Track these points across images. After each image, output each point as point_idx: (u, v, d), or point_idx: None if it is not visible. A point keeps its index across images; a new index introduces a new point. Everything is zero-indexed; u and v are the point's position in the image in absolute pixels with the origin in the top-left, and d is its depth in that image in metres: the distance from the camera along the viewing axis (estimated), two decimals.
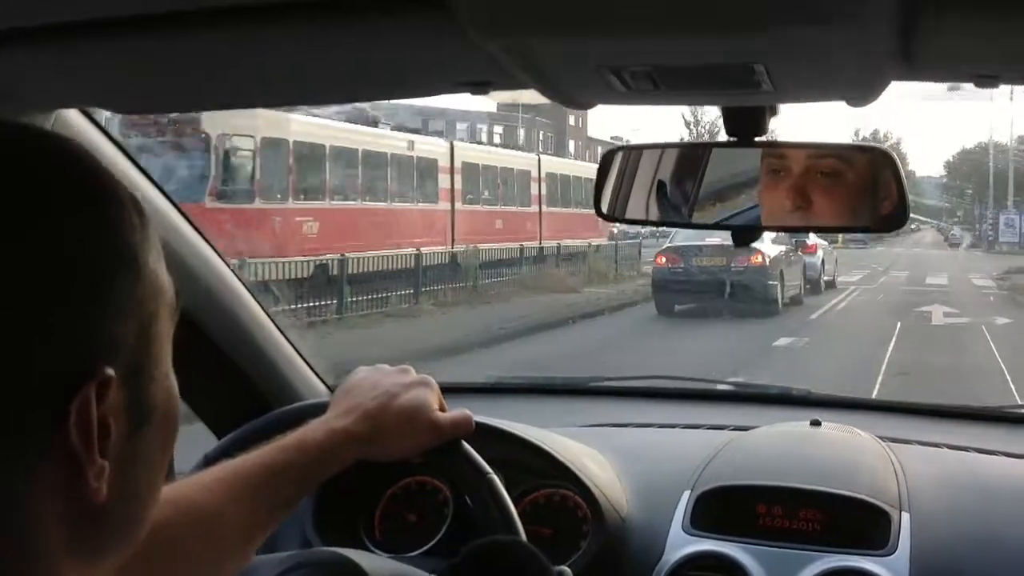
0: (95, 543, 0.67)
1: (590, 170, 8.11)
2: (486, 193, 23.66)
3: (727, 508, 1.65)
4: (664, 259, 17.54)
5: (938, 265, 32.56)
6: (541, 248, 23.79)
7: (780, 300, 16.66)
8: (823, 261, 21.73)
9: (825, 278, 21.88)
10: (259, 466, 1.18)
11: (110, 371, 0.63)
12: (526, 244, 22.95)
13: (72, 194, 0.64)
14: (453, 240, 20.77)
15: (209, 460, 1.32)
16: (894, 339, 13.79)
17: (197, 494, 1.15)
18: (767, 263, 16.28)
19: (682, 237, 16.80)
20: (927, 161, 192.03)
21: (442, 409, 1.32)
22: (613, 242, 25.48)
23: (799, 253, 18.95)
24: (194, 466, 1.37)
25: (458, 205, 21.74)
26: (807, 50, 0.90)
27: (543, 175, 25.23)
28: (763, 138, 1.27)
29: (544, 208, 24.96)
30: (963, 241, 56.99)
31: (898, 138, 77.72)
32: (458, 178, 21.87)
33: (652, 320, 16.80)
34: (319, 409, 1.31)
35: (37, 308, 0.61)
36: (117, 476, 0.65)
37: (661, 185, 1.41)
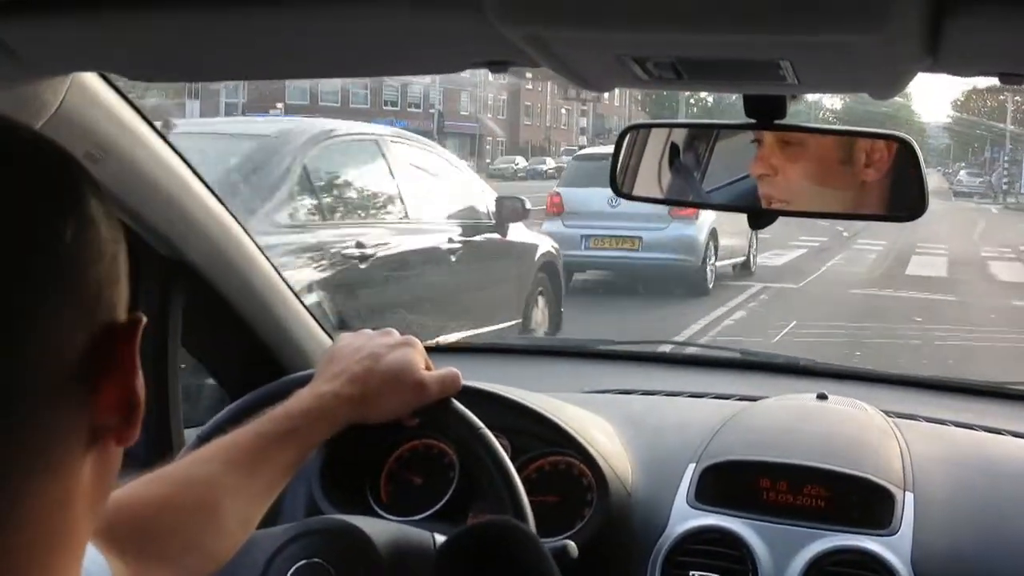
0: (103, 495, 0.69)
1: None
2: None
3: (732, 482, 1.66)
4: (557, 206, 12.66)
5: (935, 228, 20.88)
6: None
7: None
8: (714, 232, 12.14)
9: (727, 261, 13.08)
10: (252, 436, 1.20)
11: (142, 315, 0.68)
12: None
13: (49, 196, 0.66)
14: None
15: (202, 439, 1.33)
16: None
17: (194, 469, 1.16)
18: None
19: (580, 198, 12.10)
20: (934, 103, 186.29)
21: (428, 368, 1.34)
22: None
23: (670, 216, 11.57)
24: (188, 445, 1.39)
25: None
26: (833, 48, 0.89)
27: None
28: (781, 121, 1.26)
29: None
30: (971, 189, 47.28)
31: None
32: None
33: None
34: (306, 380, 1.32)
35: (91, 272, 0.65)
36: None
37: (672, 163, 1.41)
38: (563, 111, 67.58)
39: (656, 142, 1.44)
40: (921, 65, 0.97)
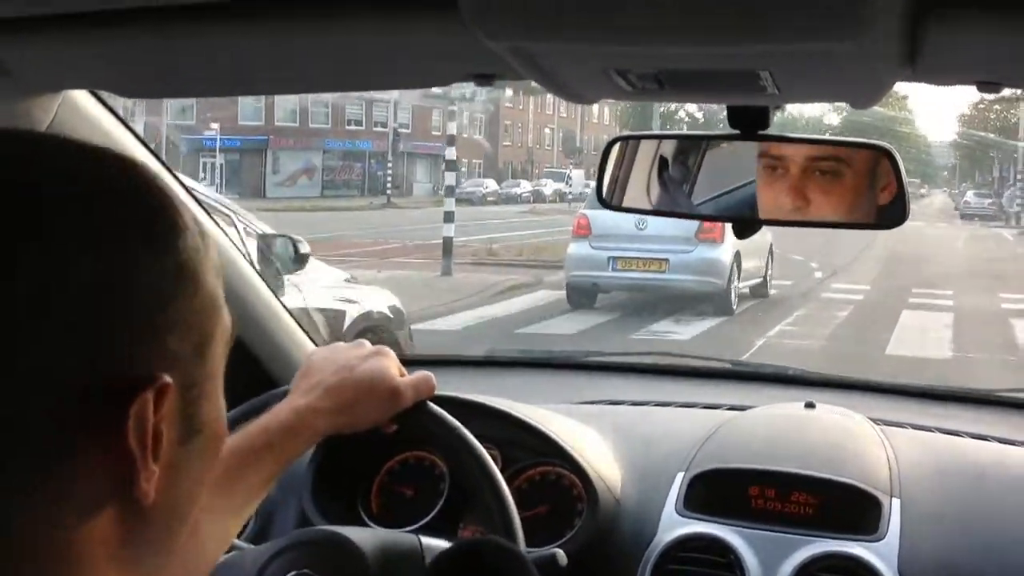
0: (135, 550, 0.68)
1: None
2: None
3: (720, 490, 1.67)
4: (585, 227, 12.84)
5: (940, 257, 19.38)
6: None
7: None
8: (738, 254, 12.29)
9: (745, 284, 13.05)
10: (227, 454, 1.20)
11: (168, 379, 0.65)
12: None
13: (138, 220, 0.67)
14: None
15: None
16: None
17: None
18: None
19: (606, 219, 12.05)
20: (939, 120, 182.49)
21: (402, 375, 1.35)
22: None
23: (697, 239, 11.92)
24: None
25: None
26: (813, 58, 0.91)
27: None
28: (765, 132, 1.28)
29: None
30: (980, 211, 42.42)
31: (904, 94, 68.77)
32: None
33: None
34: (282, 395, 1.34)
35: (103, 321, 0.64)
36: (163, 484, 0.67)
37: (661, 174, 1.43)
38: (546, 130, 65.23)
39: (645, 154, 1.46)
40: (900, 74, 0.98)
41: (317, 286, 5.34)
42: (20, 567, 0.63)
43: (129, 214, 0.67)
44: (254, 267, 1.93)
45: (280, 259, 5.01)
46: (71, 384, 0.63)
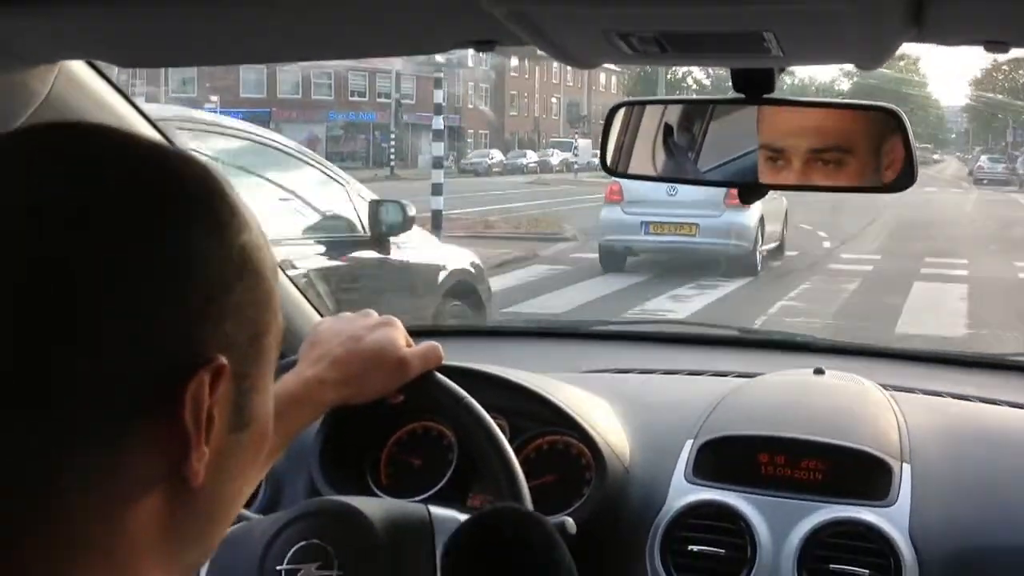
0: (179, 534, 0.69)
1: None
2: None
3: (729, 457, 1.66)
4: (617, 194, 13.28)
5: (953, 224, 18.75)
6: None
7: None
8: (762, 218, 12.95)
9: (763, 247, 13.46)
10: None
11: (224, 360, 0.67)
12: None
13: (204, 209, 0.69)
14: None
15: None
16: None
17: None
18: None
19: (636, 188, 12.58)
20: (951, 84, 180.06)
21: (409, 346, 1.35)
22: None
23: (725, 204, 12.15)
24: None
25: None
26: (817, 18, 0.89)
27: None
28: (770, 95, 1.26)
29: None
30: (994, 176, 41.19)
31: (917, 56, 67.70)
32: None
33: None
34: (289, 366, 1.33)
35: (168, 301, 0.65)
36: (211, 469, 0.68)
37: (666, 140, 1.41)
38: (553, 99, 64.83)
39: (649, 120, 1.44)
40: (906, 34, 0.97)
41: (413, 245, 5.90)
42: (74, 542, 0.64)
43: (195, 204, 0.69)
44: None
45: (389, 222, 5.61)
46: (135, 361, 0.64)
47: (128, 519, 0.66)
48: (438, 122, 17.44)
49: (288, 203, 5.59)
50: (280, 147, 5.73)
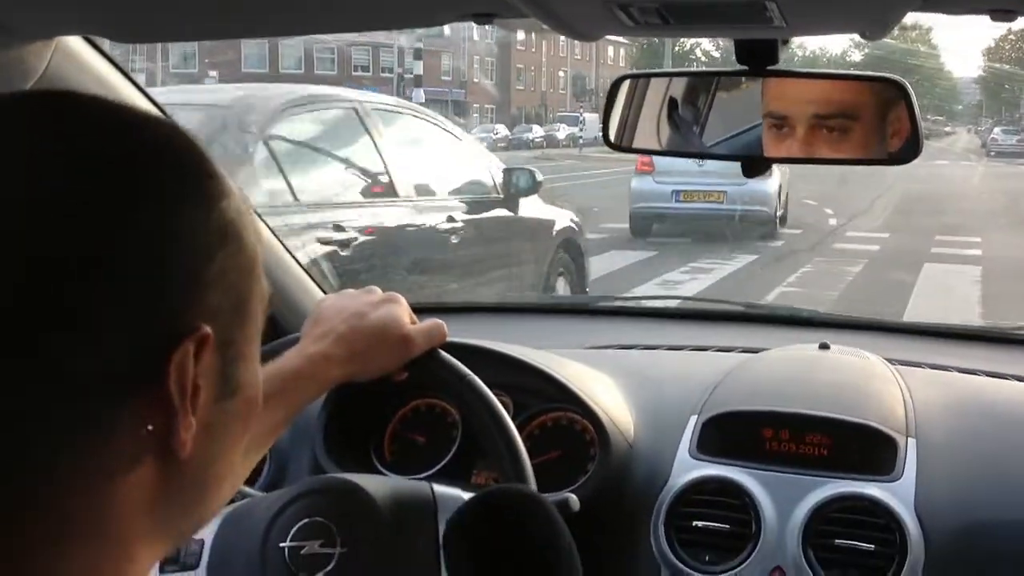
0: (168, 507, 0.69)
1: None
2: None
3: (734, 433, 1.66)
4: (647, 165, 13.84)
5: (965, 199, 17.78)
6: None
7: None
8: (781, 186, 13.98)
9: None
10: None
11: (208, 329, 0.67)
12: None
13: (182, 178, 0.69)
14: None
15: None
16: None
17: None
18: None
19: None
20: (963, 55, 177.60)
21: (413, 323, 1.34)
22: None
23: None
24: None
25: None
26: None
27: None
28: (775, 67, 1.25)
29: None
30: (1008, 148, 38.75)
31: (929, 26, 65.76)
32: None
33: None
34: (292, 342, 1.33)
35: (151, 272, 0.65)
36: (199, 440, 0.68)
37: (670, 114, 1.40)
38: (560, 73, 64.62)
39: (654, 94, 1.43)
40: (911, 3, 0.95)
41: (529, 205, 6.87)
42: (63, 517, 0.64)
43: (180, 176, 0.69)
44: (260, 218, 1.91)
45: (520, 185, 6.69)
46: (119, 335, 0.64)
47: (117, 492, 0.66)
48: (419, 95, 17.18)
49: (446, 172, 6.63)
50: (440, 124, 6.80)
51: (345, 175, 5.95)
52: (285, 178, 5.28)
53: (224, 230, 0.69)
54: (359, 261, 5.17)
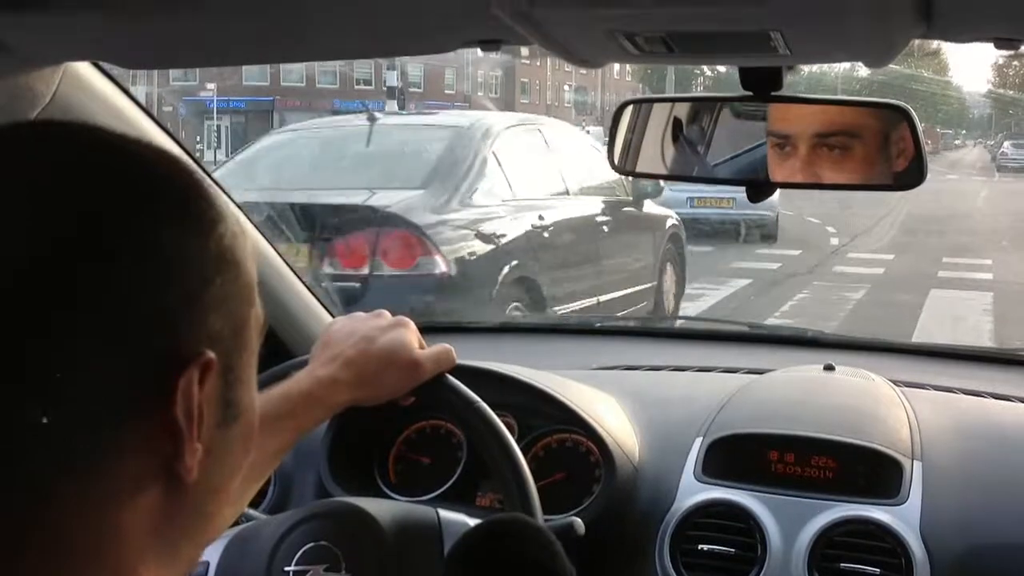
0: (173, 531, 0.69)
1: None
2: None
3: (739, 455, 1.65)
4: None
5: (975, 217, 17.35)
6: None
7: None
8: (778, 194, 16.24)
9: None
10: None
11: (212, 355, 0.67)
12: None
13: (182, 209, 0.70)
14: None
15: None
16: None
17: None
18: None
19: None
20: (973, 68, 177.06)
21: (421, 347, 1.35)
22: None
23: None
24: None
25: None
26: (825, 16, 0.88)
27: None
28: (778, 92, 1.25)
29: None
30: (1020, 163, 37.19)
31: (938, 43, 68.47)
32: None
33: None
34: (301, 365, 1.33)
35: (153, 298, 0.66)
36: (203, 465, 0.68)
37: (674, 138, 1.40)
38: (565, 88, 65.21)
39: (657, 118, 1.43)
40: (914, 31, 0.96)
41: (647, 204, 8.32)
42: (67, 543, 0.64)
43: (178, 202, 0.69)
44: (266, 239, 1.91)
45: (646, 191, 8.07)
46: (124, 361, 0.64)
47: (122, 517, 0.66)
48: (392, 107, 17.44)
49: (593, 176, 7.88)
50: (589, 143, 8.49)
51: (541, 175, 7.48)
52: (506, 178, 6.89)
53: (223, 255, 0.70)
54: (553, 240, 6.86)
